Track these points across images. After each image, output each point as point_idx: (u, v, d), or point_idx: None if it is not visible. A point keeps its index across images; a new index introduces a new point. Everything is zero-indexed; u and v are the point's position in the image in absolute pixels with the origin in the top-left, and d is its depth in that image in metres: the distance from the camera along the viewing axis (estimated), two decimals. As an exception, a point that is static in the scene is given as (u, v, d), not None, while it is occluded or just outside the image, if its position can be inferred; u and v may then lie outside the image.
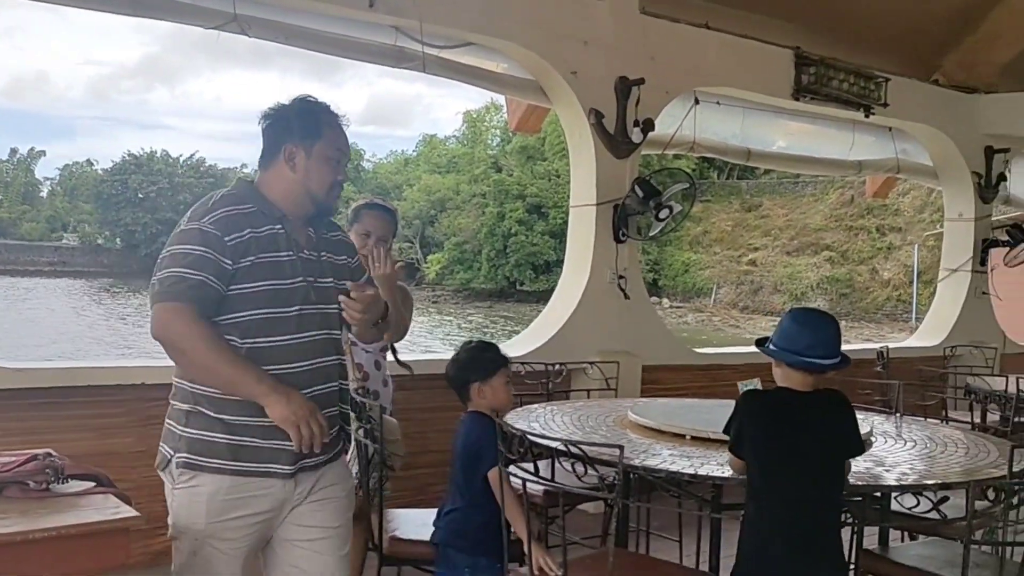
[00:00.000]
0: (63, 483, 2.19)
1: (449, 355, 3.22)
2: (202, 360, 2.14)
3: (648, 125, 5.17)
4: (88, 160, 58.23)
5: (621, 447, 2.37)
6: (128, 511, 2.09)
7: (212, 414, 2.19)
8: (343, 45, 4.62)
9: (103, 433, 3.71)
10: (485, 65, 5.10)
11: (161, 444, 2.29)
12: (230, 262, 2.17)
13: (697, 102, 5.82)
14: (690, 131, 5.87)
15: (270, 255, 2.23)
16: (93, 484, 2.23)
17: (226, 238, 2.17)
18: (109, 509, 2.08)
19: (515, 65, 5.13)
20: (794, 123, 6.89)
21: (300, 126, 2.28)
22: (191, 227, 2.19)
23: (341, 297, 2.28)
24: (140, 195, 49.57)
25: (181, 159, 52.82)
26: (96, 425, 3.71)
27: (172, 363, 2.24)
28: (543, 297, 35.33)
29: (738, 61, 5.78)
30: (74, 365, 4.11)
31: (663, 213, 5.03)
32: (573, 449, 2.41)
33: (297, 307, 2.24)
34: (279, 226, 2.26)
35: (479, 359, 3.14)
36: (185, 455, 2.20)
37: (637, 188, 5.06)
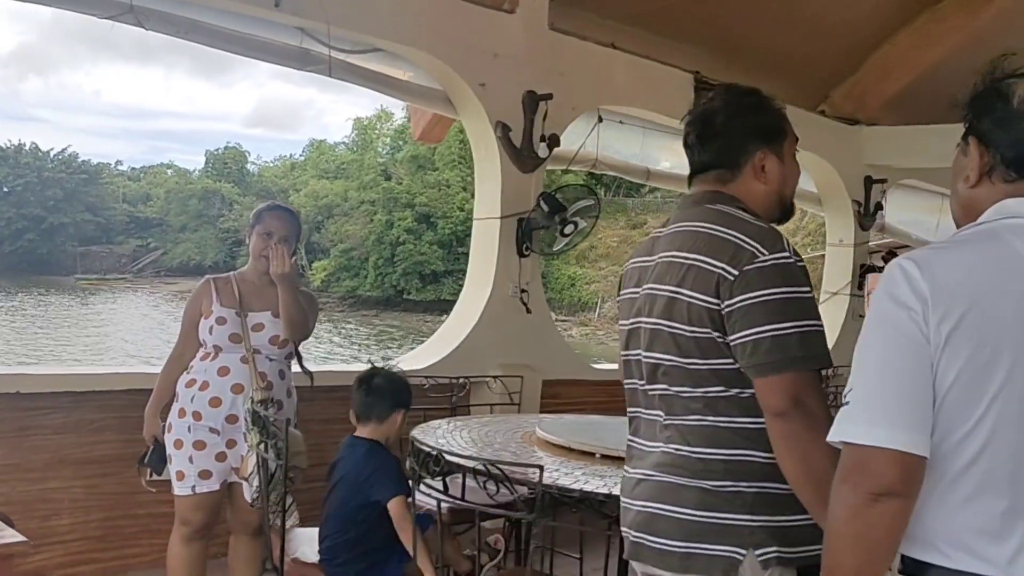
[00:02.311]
0: (-64, 504, 2.01)
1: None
2: (820, 457, 1.55)
3: (554, 140, 5.18)
4: (-53, 150, 54.68)
5: (541, 467, 2.34)
6: (13, 535, 1.93)
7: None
8: (246, 43, 4.45)
9: (-29, 445, 3.44)
10: (391, 72, 5.01)
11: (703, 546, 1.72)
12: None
13: (601, 120, 5.89)
14: (593, 148, 5.93)
15: None
16: (-29, 505, 2.06)
17: None
18: (-8, 533, 1.92)
19: (422, 73, 5.07)
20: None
21: (766, 126, 1.93)
22: (786, 260, 1.69)
23: None
24: (5, 189, 47.02)
25: (52, 153, 50.34)
26: (-37, 437, 3.44)
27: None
28: (430, 307, 35.37)
29: (641, 82, 5.88)
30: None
31: (568, 228, 5.05)
32: (493, 470, 2.37)
33: None
34: None
35: (401, 390, 3.12)
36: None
37: (543, 203, 5.06)
